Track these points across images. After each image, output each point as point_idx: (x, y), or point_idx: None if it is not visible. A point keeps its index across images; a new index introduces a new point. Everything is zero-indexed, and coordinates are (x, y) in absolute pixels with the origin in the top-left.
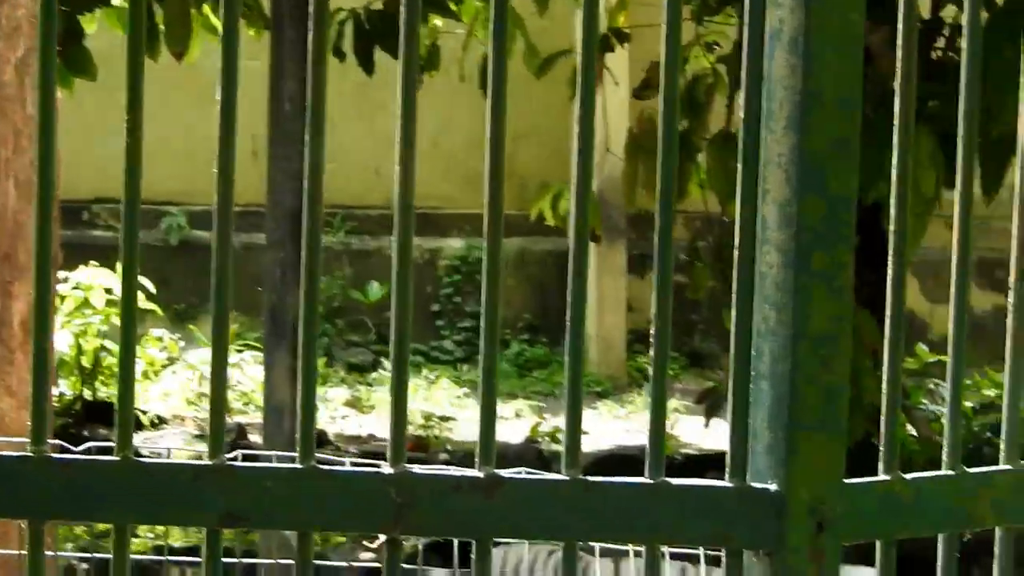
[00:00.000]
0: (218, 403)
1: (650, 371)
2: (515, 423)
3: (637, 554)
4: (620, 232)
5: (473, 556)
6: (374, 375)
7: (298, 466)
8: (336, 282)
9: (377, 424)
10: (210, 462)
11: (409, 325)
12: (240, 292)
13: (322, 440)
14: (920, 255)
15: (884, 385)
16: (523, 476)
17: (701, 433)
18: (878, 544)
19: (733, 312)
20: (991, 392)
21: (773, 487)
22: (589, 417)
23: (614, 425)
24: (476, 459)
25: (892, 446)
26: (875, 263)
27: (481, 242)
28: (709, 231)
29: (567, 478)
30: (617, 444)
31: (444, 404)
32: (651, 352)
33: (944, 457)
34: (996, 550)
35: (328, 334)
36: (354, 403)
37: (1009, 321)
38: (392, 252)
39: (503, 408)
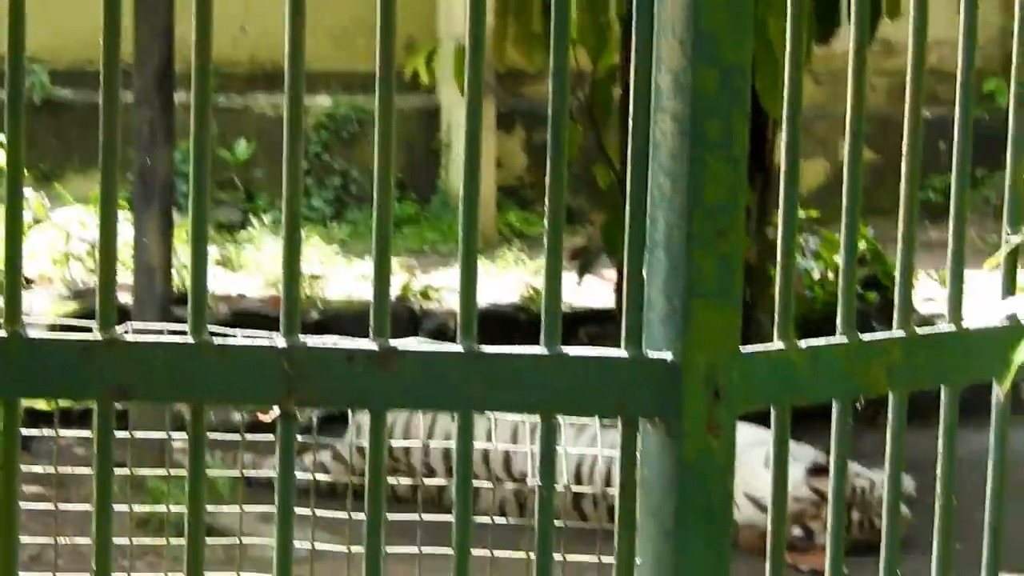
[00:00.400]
0: (108, 277)
1: (522, 228)
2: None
3: None
4: (488, 88)
5: (368, 428)
6: (243, 233)
7: (190, 340)
8: None
9: (248, 282)
10: (100, 337)
11: (299, 201)
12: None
13: None
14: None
15: (779, 256)
16: (417, 347)
17: (573, 290)
18: (773, 410)
19: (628, 181)
20: (859, 246)
21: (669, 356)
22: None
23: (486, 282)
24: (370, 330)
25: (787, 314)
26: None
27: (349, 99)
28: (579, 87)
29: (462, 349)
30: (490, 302)
31: (315, 262)
32: (545, 218)
33: (838, 324)
34: (890, 414)
35: None
36: (224, 262)
37: (902, 189)
38: (283, 113)
39: (372, 266)
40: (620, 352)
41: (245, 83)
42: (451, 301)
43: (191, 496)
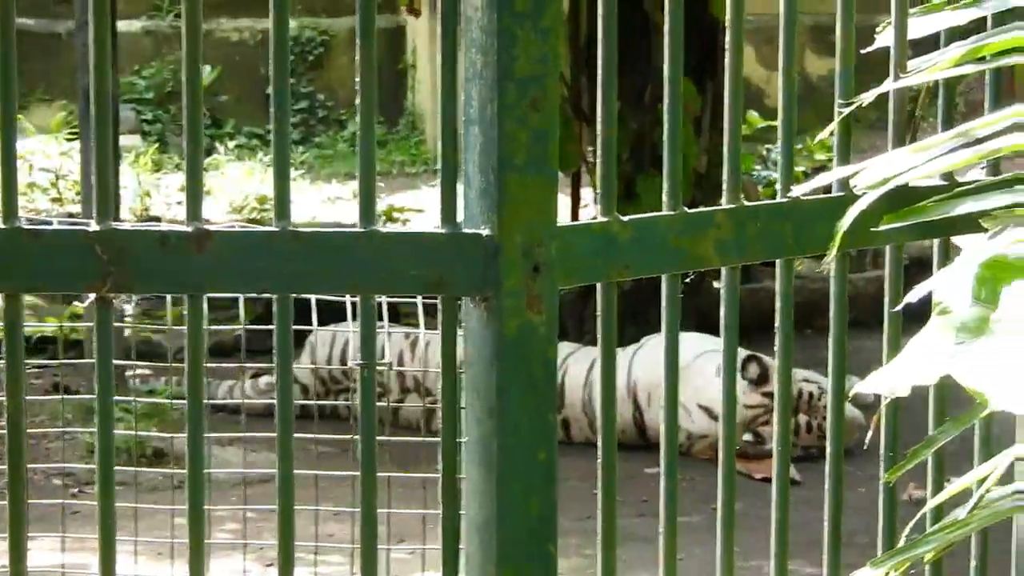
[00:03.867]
0: None
1: None
2: (354, 203)
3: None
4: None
5: (186, 312)
6: (209, 160)
7: (1, 226)
8: (167, 66)
9: (213, 208)
10: None
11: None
12: (65, 80)
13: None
14: (754, 22)
15: (599, 127)
16: (232, 229)
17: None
18: (599, 287)
19: (440, 57)
20: (822, 156)
21: (486, 231)
22: (430, 195)
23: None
24: (184, 213)
25: (609, 185)
26: (698, 32)
27: (313, 21)
28: None
29: (276, 229)
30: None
31: None
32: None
33: (664, 197)
34: (722, 287)
35: (161, 120)
36: None
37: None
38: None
39: (342, 189)
40: (437, 229)
41: (208, 7)
42: (417, 222)
43: (9, 387)
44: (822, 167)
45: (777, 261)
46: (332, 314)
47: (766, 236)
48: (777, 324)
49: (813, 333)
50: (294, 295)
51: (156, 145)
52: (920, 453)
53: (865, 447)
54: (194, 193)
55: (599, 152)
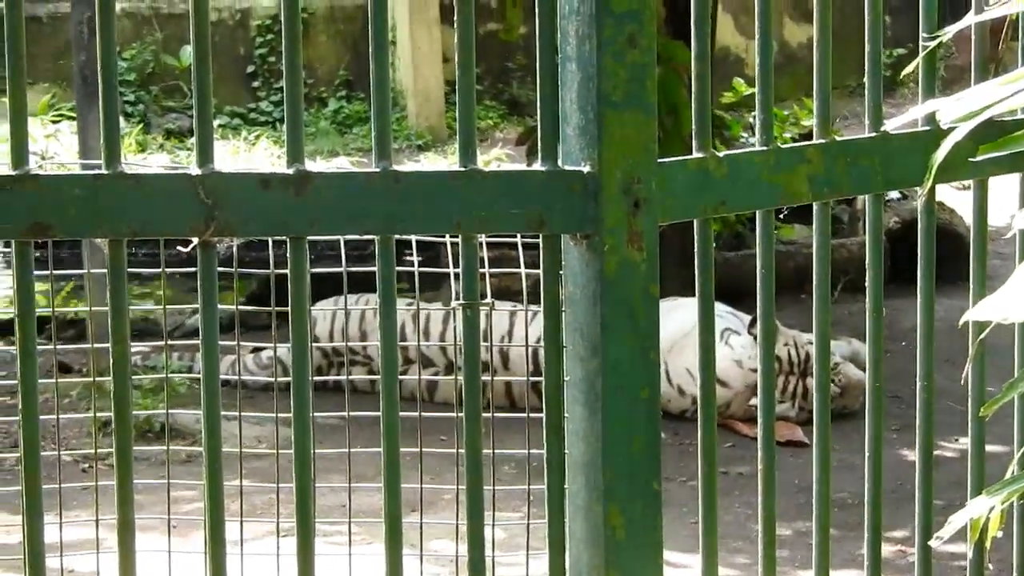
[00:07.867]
0: (18, 107)
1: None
2: None
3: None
4: None
5: (288, 255)
6: (192, 141)
7: (103, 172)
8: (147, 48)
9: None
10: (13, 171)
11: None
12: (50, 63)
13: None
14: None
15: (693, 63)
16: (333, 170)
17: None
18: (696, 223)
19: None
20: (809, 123)
21: (586, 168)
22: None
23: None
24: (285, 156)
25: (704, 125)
26: None
27: None
28: None
29: (377, 170)
30: None
31: (265, 164)
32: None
33: (757, 134)
34: (814, 226)
35: (143, 101)
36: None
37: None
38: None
39: (326, 167)
40: (537, 167)
41: None
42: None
43: (114, 333)
44: (810, 133)
45: (866, 197)
46: None
47: (855, 171)
48: (867, 261)
49: (808, 298)
50: (395, 236)
51: (140, 126)
52: (1018, 385)
53: None
54: (295, 136)
55: (694, 89)
